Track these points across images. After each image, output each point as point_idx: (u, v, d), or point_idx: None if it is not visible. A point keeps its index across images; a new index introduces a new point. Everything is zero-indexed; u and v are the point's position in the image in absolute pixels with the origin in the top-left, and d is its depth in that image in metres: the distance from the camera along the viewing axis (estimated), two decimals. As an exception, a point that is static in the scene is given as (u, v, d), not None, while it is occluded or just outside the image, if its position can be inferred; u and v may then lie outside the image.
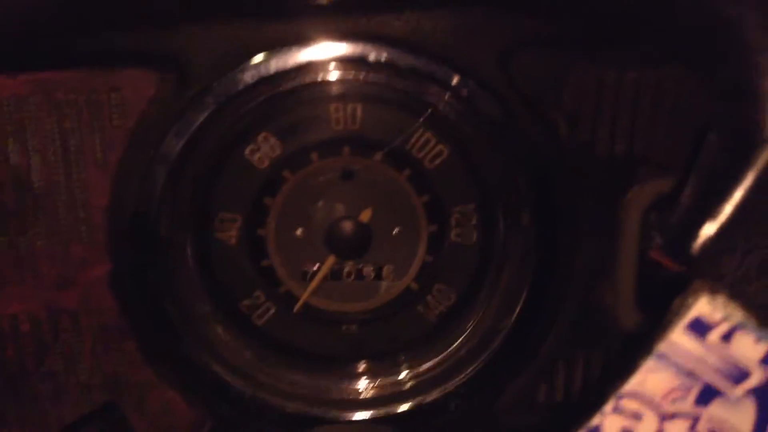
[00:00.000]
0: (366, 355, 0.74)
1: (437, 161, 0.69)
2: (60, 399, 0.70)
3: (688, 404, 0.59)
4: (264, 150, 0.68)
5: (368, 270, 0.72)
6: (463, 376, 0.72)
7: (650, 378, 0.60)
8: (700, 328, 0.59)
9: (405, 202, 0.70)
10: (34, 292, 0.67)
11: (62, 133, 0.64)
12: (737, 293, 0.58)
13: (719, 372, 0.59)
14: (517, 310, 0.70)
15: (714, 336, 0.59)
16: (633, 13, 0.63)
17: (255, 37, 0.64)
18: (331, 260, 0.71)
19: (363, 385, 0.74)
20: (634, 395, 0.60)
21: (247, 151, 0.68)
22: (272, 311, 0.72)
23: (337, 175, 0.69)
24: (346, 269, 0.72)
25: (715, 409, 0.59)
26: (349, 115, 0.68)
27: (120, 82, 0.64)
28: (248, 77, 0.65)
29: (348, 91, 0.67)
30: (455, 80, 0.65)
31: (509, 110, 0.66)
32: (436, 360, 0.74)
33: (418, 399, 0.73)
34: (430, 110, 0.67)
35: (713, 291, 0.59)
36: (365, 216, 0.70)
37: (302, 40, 0.65)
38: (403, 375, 0.74)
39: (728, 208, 0.60)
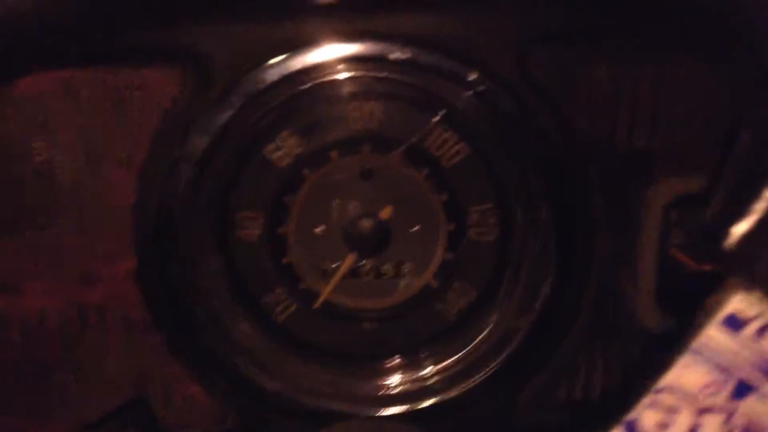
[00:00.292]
0: (386, 352, 0.75)
1: (455, 160, 0.69)
2: (86, 393, 0.71)
3: (723, 398, 0.60)
4: (284, 149, 0.69)
5: (387, 267, 0.72)
6: (484, 373, 0.72)
7: (686, 373, 0.60)
8: (734, 324, 0.59)
9: (423, 201, 0.70)
10: (60, 287, 0.68)
11: (87, 131, 0.66)
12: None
13: (754, 367, 0.59)
14: (537, 307, 0.70)
15: (748, 332, 0.59)
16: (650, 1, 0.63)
17: (277, 36, 0.66)
18: (351, 258, 0.71)
19: (393, 380, 0.74)
20: (671, 390, 0.60)
21: (267, 150, 0.69)
22: (293, 308, 0.73)
23: (356, 173, 0.70)
24: (366, 266, 0.72)
25: (750, 404, 0.59)
26: (368, 113, 0.69)
27: (145, 81, 0.65)
28: (271, 76, 0.66)
29: (367, 90, 0.68)
30: (472, 77, 0.66)
31: (526, 106, 0.66)
32: (458, 356, 0.73)
33: (442, 395, 0.73)
34: (446, 108, 0.67)
35: (747, 288, 0.59)
36: (386, 213, 0.70)
37: (322, 38, 0.66)
38: (427, 371, 0.74)
39: (762, 206, 0.60)
